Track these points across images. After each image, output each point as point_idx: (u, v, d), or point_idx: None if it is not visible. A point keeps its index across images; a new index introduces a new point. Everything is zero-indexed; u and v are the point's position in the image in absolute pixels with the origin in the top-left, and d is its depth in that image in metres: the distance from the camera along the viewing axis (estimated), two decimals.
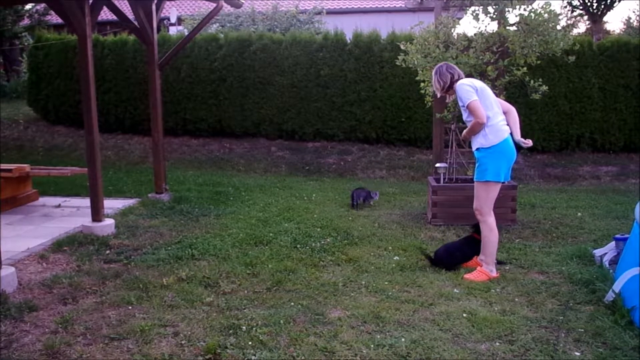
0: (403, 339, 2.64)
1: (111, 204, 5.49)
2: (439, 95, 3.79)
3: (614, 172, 8.12)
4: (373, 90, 8.75)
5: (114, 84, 9.57)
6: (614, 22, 47.38)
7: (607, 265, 3.64)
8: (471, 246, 3.74)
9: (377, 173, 8.34)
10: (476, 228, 3.78)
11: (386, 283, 3.44)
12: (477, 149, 3.58)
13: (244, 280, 3.51)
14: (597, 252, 3.95)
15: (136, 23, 5.67)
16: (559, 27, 5.01)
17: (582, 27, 23.06)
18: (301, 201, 6.09)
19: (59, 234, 4.55)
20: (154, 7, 5.67)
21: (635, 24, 22.79)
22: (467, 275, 3.54)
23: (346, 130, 8.98)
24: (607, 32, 21.66)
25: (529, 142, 3.60)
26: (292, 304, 3.09)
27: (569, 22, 22.35)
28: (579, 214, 5.50)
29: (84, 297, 3.23)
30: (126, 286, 3.38)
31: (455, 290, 3.31)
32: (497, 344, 2.63)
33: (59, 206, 5.70)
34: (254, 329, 2.76)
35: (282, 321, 2.84)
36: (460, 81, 3.60)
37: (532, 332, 2.75)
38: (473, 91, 3.48)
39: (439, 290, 3.30)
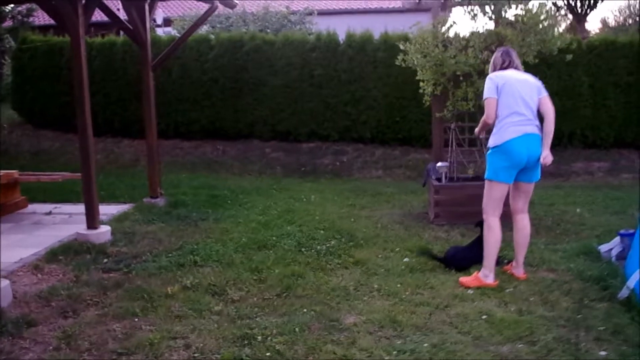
0: (424, 344, 2.58)
1: (105, 210, 5.30)
2: None
3: (606, 167, 8.22)
4: (367, 90, 8.69)
5: (102, 86, 9.32)
6: (593, 21, 48.34)
7: (616, 261, 3.65)
8: (482, 246, 3.67)
9: (373, 173, 8.29)
10: (480, 226, 3.74)
11: (398, 285, 3.37)
12: (488, 147, 3.55)
13: (251, 286, 3.41)
14: (603, 248, 3.96)
15: (129, 24, 5.51)
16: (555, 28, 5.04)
17: (563, 26, 23.45)
18: (300, 203, 6.00)
19: (52, 242, 4.37)
20: (147, 7, 5.53)
21: (612, 24, 23.26)
22: (462, 279, 3.42)
23: (341, 131, 8.90)
24: (587, 32, 22.04)
25: (547, 161, 3.43)
26: (305, 310, 3.00)
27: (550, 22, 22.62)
28: (578, 210, 5.53)
29: (85, 310, 3.08)
30: (129, 296, 3.24)
31: (468, 290, 3.27)
32: (519, 345, 2.59)
33: (49, 213, 5.50)
34: (269, 338, 2.66)
35: (297, 329, 2.75)
36: (491, 74, 3.49)
37: (551, 331, 2.72)
38: (493, 88, 3.40)
39: (452, 291, 3.25)
